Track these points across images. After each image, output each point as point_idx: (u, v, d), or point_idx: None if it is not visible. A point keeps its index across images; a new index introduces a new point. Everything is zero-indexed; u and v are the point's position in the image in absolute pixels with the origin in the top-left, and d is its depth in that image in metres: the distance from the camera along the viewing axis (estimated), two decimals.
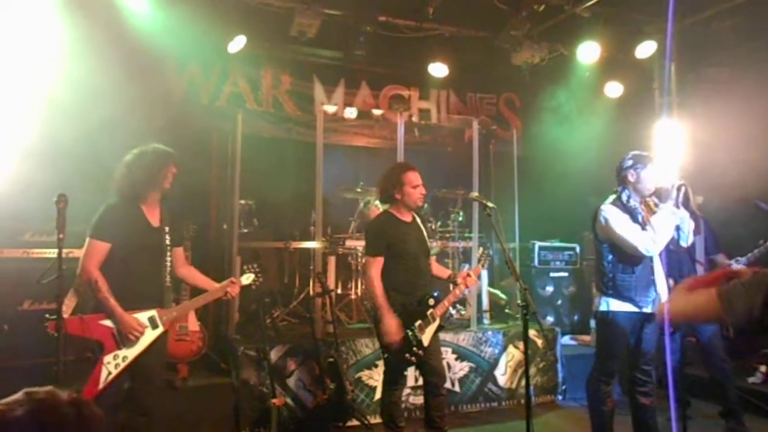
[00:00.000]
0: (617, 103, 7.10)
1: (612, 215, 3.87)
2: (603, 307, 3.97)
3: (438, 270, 4.39)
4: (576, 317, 6.84)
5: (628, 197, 3.94)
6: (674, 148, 5.70)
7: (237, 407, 4.73)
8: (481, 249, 4.31)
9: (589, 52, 6.45)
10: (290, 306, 6.10)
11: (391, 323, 3.88)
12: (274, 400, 4.51)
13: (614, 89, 7.06)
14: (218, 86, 6.77)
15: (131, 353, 3.37)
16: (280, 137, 6.87)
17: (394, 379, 4.05)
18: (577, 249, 6.98)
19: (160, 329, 3.48)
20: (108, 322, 3.33)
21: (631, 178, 3.93)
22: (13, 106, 4.90)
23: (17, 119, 4.88)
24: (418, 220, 4.23)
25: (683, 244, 4.03)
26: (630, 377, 4.06)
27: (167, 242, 3.56)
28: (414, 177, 4.07)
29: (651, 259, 3.90)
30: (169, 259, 3.58)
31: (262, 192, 6.32)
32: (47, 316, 3.10)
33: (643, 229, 3.81)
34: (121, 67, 5.48)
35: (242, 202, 5.93)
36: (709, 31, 6.22)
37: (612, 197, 3.99)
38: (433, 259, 4.40)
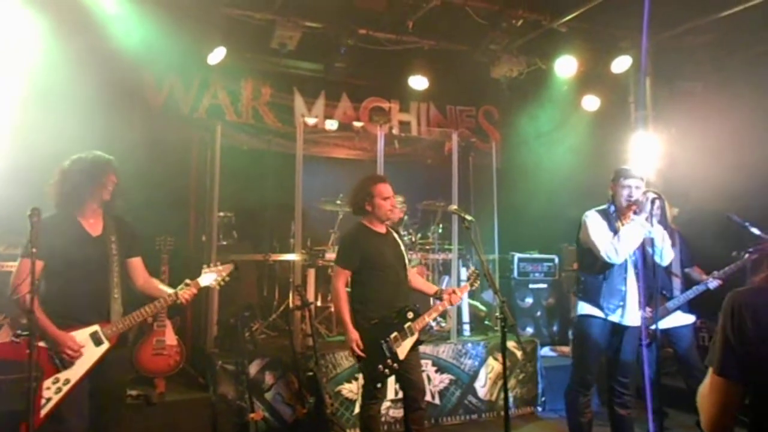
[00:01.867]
0: (594, 117, 7.23)
1: (591, 219, 4.02)
2: (577, 311, 4.11)
3: (423, 285, 4.35)
4: (555, 328, 6.87)
5: (609, 207, 4.07)
6: (649, 160, 5.78)
7: (215, 422, 4.67)
8: (471, 269, 4.30)
9: (566, 66, 6.58)
10: (269, 319, 6.05)
11: (352, 337, 3.87)
12: (252, 415, 4.48)
13: (591, 103, 7.18)
14: (198, 98, 6.76)
15: (73, 375, 3.11)
16: (259, 149, 6.86)
17: (371, 393, 4.01)
18: (556, 260, 7.02)
19: (105, 345, 3.20)
20: (43, 343, 3.07)
21: (610, 190, 4.09)
22: None
23: None
24: (393, 233, 4.19)
25: (658, 260, 4.08)
26: (608, 388, 4.11)
27: (113, 252, 3.31)
28: (384, 189, 4.03)
29: (625, 269, 3.97)
30: (117, 270, 3.31)
31: (241, 204, 6.29)
32: (18, 332, 3.01)
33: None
34: (99, 78, 5.45)
35: (221, 214, 5.89)
36: (683, 46, 6.35)
37: (605, 206, 4.12)
38: (416, 273, 4.39)
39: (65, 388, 3.08)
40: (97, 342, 3.19)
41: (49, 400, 3.03)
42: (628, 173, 3.99)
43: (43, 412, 3.00)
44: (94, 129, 5.21)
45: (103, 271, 3.27)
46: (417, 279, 4.37)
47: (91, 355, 3.16)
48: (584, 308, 4.06)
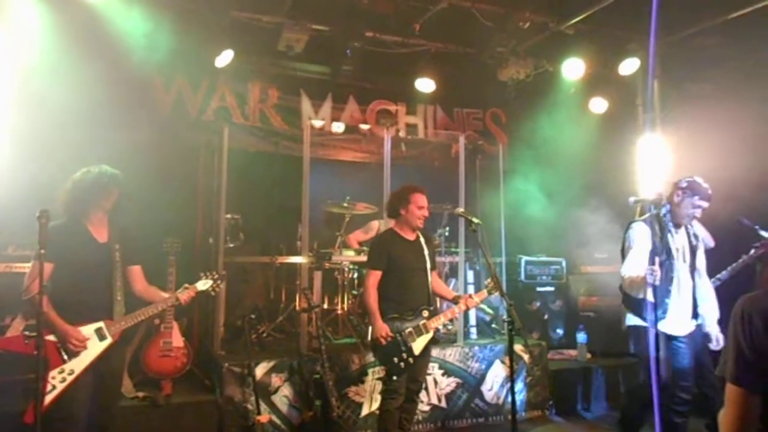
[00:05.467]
0: (602, 119, 7.21)
1: (633, 233, 4.04)
2: (626, 322, 4.18)
3: (443, 290, 4.59)
4: (562, 332, 6.84)
5: (667, 214, 3.97)
6: (658, 163, 5.75)
7: (221, 424, 4.67)
8: (490, 279, 4.31)
9: (573, 68, 6.56)
10: (276, 321, 6.04)
11: (381, 326, 4.10)
12: (258, 418, 4.48)
13: (599, 105, 7.16)
14: (205, 100, 6.77)
15: (78, 366, 3.38)
16: (266, 151, 6.86)
17: (389, 387, 4.17)
18: (564, 263, 6.99)
19: (108, 340, 3.49)
20: (51, 337, 3.35)
21: (676, 198, 4.02)
22: None
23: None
24: (422, 240, 4.42)
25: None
26: (669, 394, 4.00)
27: (117, 259, 3.59)
28: (421, 199, 4.35)
29: (671, 280, 3.94)
30: (119, 275, 3.60)
31: (248, 206, 6.30)
32: (26, 333, 3.11)
33: (660, 252, 3.82)
34: (107, 81, 5.47)
35: (228, 216, 5.88)
36: (693, 48, 6.32)
37: (659, 210, 4.03)
38: (437, 277, 4.55)
39: (69, 378, 3.34)
40: (101, 337, 3.48)
41: (54, 388, 3.29)
42: (709, 196, 3.94)
43: (48, 398, 3.24)
44: (100, 132, 5.25)
45: (107, 275, 3.55)
46: (439, 284, 4.57)
47: (95, 348, 3.44)
48: (631, 319, 4.13)
